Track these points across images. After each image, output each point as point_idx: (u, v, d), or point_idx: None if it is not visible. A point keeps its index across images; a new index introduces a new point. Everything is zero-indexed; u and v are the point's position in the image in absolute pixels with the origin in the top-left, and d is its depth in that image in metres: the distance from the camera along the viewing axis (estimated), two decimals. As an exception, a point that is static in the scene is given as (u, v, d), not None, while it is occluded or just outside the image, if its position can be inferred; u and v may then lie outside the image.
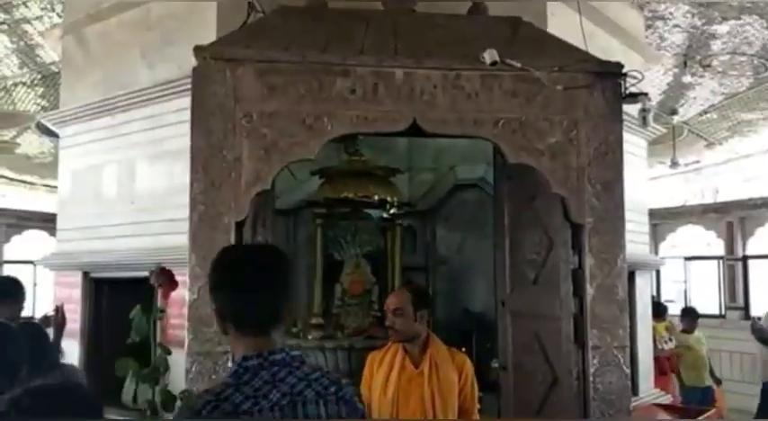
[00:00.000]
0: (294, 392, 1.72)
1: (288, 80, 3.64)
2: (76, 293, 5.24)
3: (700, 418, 5.05)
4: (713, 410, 5.50)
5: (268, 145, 3.61)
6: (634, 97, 3.83)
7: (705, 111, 9.05)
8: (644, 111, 3.86)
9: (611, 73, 3.84)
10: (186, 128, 3.75)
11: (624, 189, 3.86)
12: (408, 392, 3.29)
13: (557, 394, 3.99)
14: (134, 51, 5.01)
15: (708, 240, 10.75)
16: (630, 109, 4.27)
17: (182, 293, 4.47)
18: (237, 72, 3.61)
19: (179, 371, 3.88)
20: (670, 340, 7.66)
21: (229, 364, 3.51)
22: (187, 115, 3.80)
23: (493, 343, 8.18)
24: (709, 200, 11.06)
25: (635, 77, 3.83)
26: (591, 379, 3.73)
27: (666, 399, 5.95)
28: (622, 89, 3.85)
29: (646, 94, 3.83)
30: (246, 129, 3.61)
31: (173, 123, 4.66)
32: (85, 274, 5.23)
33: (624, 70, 3.85)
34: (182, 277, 4.53)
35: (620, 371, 3.75)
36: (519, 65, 3.68)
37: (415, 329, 3.44)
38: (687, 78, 7.82)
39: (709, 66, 7.54)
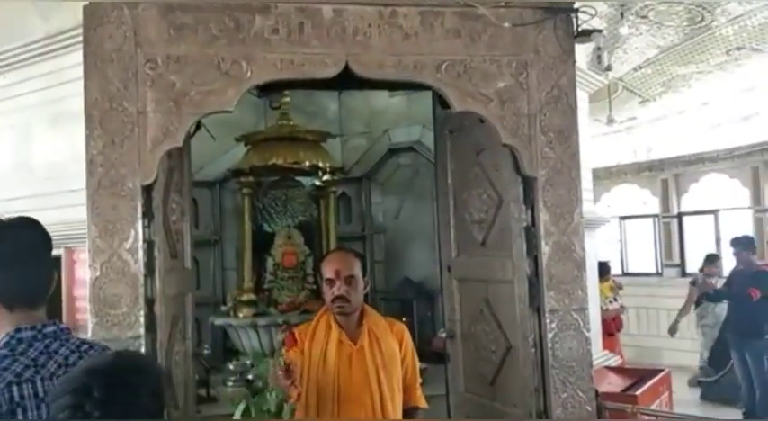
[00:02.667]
0: (69, 363, 1.75)
1: (198, 18, 3.15)
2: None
3: (653, 380, 4.85)
4: (665, 371, 5.32)
5: (177, 95, 3.11)
6: (587, 35, 3.49)
7: (639, 67, 8.86)
8: (599, 49, 3.52)
9: (563, 9, 3.48)
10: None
11: (579, 137, 3.52)
12: (349, 371, 2.84)
13: (511, 363, 3.67)
14: (23, 0, 4.37)
15: (643, 199, 10.68)
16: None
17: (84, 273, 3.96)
18: (138, 10, 3.09)
19: (86, 359, 3.38)
20: (615, 300, 7.51)
21: (142, 350, 3.04)
22: (88, 70, 3.25)
23: (434, 312, 7.95)
24: (642, 158, 10.99)
25: (587, 13, 3.47)
26: (549, 345, 3.42)
27: (616, 361, 5.76)
28: (574, 26, 3.49)
29: (600, 31, 3.49)
30: (151, 77, 3.10)
31: (72, 80, 4.04)
32: (-21, 256, 4.62)
33: (575, 6, 3.49)
34: (86, 254, 4.02)
35: (579, 335, 3.45)
36: None
37: (361, 300, 2.92)
38: (624, 30, 7.57)
39: (645, 17, 7.30)
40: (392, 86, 4.24)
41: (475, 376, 4.01)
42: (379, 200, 8.45)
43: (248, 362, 6.52)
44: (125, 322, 3.00)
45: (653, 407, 4.53)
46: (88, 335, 3.07)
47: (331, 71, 3.28)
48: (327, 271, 2.85)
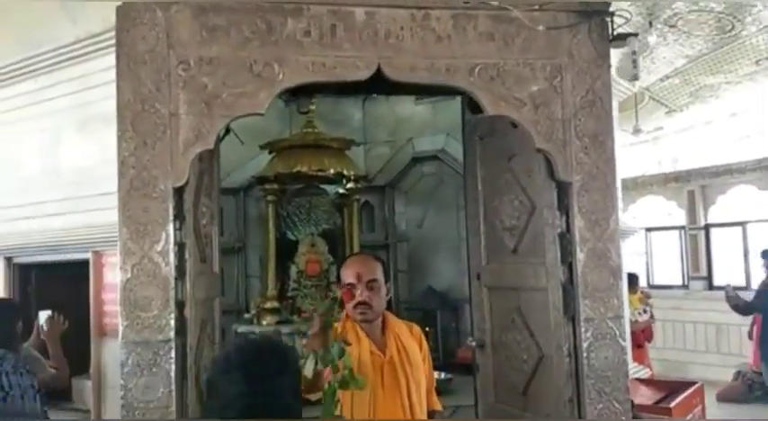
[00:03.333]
0: None
1: (230, 20, 3.13)
2: (-2, 281, 4.64)
3: (687, 392, 4.74)
4: (698, 384, 5.20)
5: (209, 97, 3.09)
6: (623, 39, 3.42)
7: (667, 77, 8.76)
8: (634, 53, 3.46)
9: (598, 12, 3.42)
10: (115, 88, 3.20)
11: (615, 142, 3.46)
12: (381, 383, 2.67)
13: (544, 372, 3.59)
14: (52, 3, 4.38)
15: (669, 210, 10.52)
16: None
17: (117, 277, 3.94)
18: (170, 11, 3.08)
19: (114, 363, 3.35)
20: (645, 311, 7.39)
21: (172, 354, 3.01)
22: (115, 74, 3.25)
23: (458, 322, 7.87)
24: (667, 169, 10.85)
25: (622, 17, 3.42)
26: (584, 354, 3.34)
27: (645, 373, 5.65)
28: (609, 30, 3.43)
29: (636, 35, 3.43)
30: (183, 78, 3.08)
31: (101, 84, 4.06)
32: (8, 260, 4.63)
33: (611, 9, 3.43)
34: (115, 258, 4.00)
35: (615, 344, 3.37)
36: (496, 2, 3.24)
37: (384, 306, 2.73)
38: (652, 39, 7.50)
39: (674, 26, 7.23)
40: (423, 91, 4.20)
41: (505, 386, 3.93)
42: (402, 209, 8.42)
43: (271, 370, 6.48)
44: (155, 325, 2.97)
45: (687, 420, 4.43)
46: (118, 339, 3.06)
47: (363, 74, 3.24)
48: (348, 275, 2.67)
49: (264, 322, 6.96)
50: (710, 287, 9.73)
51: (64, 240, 4.22)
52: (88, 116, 4.22)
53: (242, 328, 6.96)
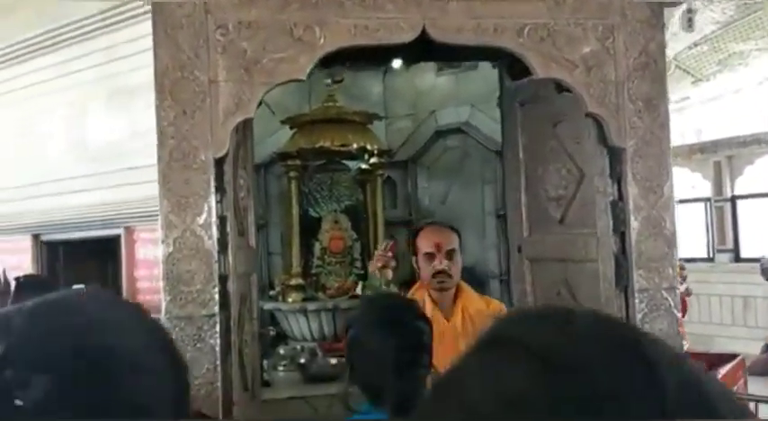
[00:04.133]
0: None
1: (270, -19, 2.99)
2: (26, 259, 4.55)
3: (730, 365, 4.63)
4: (740, 356, 5.09)
5: (248, 63, 2.96)
6: (678, -3, 3.26)
7: (695, 44, 8.54)
8: (689, 12, 3.29)
9: (651, -32, 3.26)
10: (145, 58, 3.08)
11: (669, 105, 3.31)
12: (439, 349, 2.66)
13: (594, 346, 3.48)
14: (76, -29, 4.26)
15: (693, 182, 10.35)
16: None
17: (151, 252, 3.84)
18: (207, -27, 2.94)
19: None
20: (681, 283, 7.26)
21: (217, 329, 2.91)
22: (146, 44, 3.13)
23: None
24: (691, 140, 10.66)
25: (677, -26, 3.26)
26: (638, 326, 3.21)
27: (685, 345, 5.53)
28: (663, -13, 3.28)
29: (692, -8, 3.27)
30: (222, 44, 2.94)
31: (128, 55, 3.96)
32: (35, 237, 4.54)
33: (664, -34, 3.27)
34: (148, 234, 3.91)
35: (670, 315, 3.25)
36: (546, -41, 3.08)
37: (459, 276, 2.80)
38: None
39: (707, -10, 7.01)
40: (465, 55, 4.05)
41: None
42: (425, 184, 8.26)
43: (299, 346, 6.42)
44: (199, 299, 2.87)
45: (732, 393, 4.31)
46: (161, 315, 2.96)
47: (407, 36, 3.10)
48: (426, 245, 2.70)
49: (290, 299, 6.87)
50: (737, 259, 9.59)
51: (93, 216, 4.13)
52: (115, 88, 4.10)
53: (268, 305, 6.88)
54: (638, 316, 3.22)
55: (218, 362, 2.86)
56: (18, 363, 0.55)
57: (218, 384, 2.85)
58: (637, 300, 3.22)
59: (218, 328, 2.87)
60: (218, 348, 2.87)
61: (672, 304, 3.25)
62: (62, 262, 4.62)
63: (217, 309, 2.88)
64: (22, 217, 4.52)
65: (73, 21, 4.25)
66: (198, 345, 2.85)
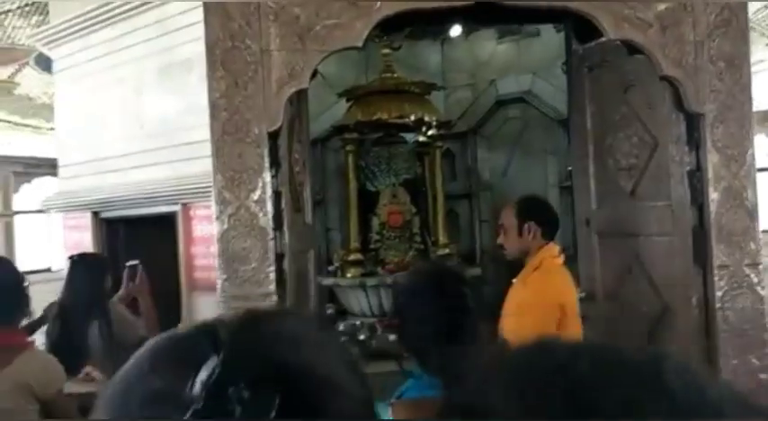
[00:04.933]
0: None
1: (322, -56, 2.84)
2: (87, 237, 4.57)
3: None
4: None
5: (302, 30, 2.83)
6: (763, -53, 2.98)
7: (772, 3, 8.05)
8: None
9: None
10: (198, 31, 2.99)
11: (751, 67, 3.06)
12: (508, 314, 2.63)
13: (669, 326, 3.29)
14: (128, -54, 4.20)
15: (761, 150, 9.84)
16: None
17: (207, 229, 3.79)
18: (258, -63, 2.81)
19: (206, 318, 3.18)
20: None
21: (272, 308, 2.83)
22: (197, 15, 3.04)
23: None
24: (762, 107, 10.12)
25: None
26: (718, 305, 3.00)
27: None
28: (747, -63, 3.01)
29: (779, -59, 2.98)
30: (274, 11, 2.82)
31: (181, 28, 3.88)
32: (95, 214, 4.55)
33: None
34: (204, 210, 3.85)
35: (753, 294, 3.02)
36: None
37: (520, 245, 2.77)
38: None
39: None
40: (529, 18, 3.84)
41: (620, 342, 3.61)
42: (485, 155, 8.06)
43: (358, 322, 6.36)
44: (254, 278, 2.79)
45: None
46: (211, 293, 2.89)
47: (467, -3, 2.92)
48: None
49: (349, 275, 6.81)
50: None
51: (150, 193, 4.10)
52: (168, 62, 4.05)
53: (326, 281, 6.83)
54: (719, 294, 3.01)
55: (276, 343, 2.78)
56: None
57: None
58: (716, 278, 3.01)
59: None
60: (274, 328, 2.79)
61: (755, 281, 3.02)
62: (122, 239, 4.63)
63: (273, 287, 2.80)
64: (82, 194, 4.53)
65: (125, -5, 4.21)
66: (254, 325, 2.77)
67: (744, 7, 3.02)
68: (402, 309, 1.78)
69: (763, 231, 8.68)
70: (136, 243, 4.50)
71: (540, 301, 2.61)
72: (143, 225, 4.40)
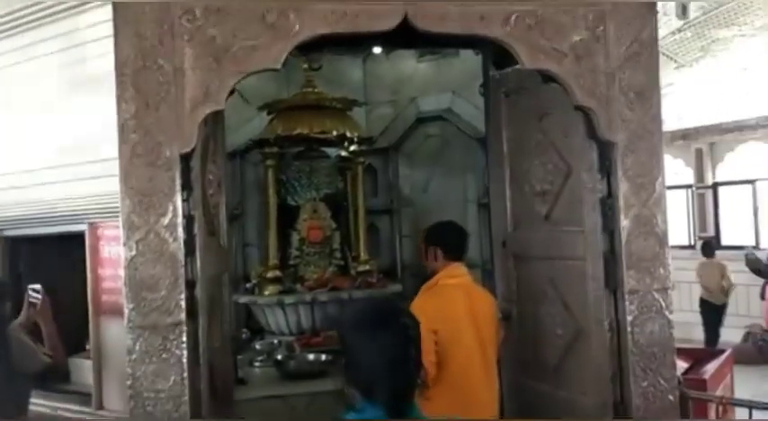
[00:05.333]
0: None
1: (240, -37, 2.78)
2: (-13, 256, 4.31)
3: (719, 361, 4.52)
4: (728, 351, 4.99)
5: (218, 51, 2.76)
6: (671, -17, 3.09)
7: (679, 30, 8.42)
8: (684, -1, 3.13)
9: (644, -47, 3.09)
10: (111, 45, 2.86)
11: (661, 98, 3.16)
12: None
13: (581, 348, 3.35)
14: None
15: (675, 169, 10.27)
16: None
17: (116, 251, 3.63)
18: (172, -46, 2.72)
19: (120, 348, 3.04)
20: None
21: (184, 338, 2.72)
22: (110, 29, 2.91)
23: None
24: (673, 127, 10.58)
25: (671, -41, 3.09)
26: (628, 329, 3.08)
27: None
28: (657, -27, 3.12)
29: (686, -21, 3.10)
30: (188, 30, 2.74)
31: (94, 40, 3.70)
32: (-3, 233, 4.31)
33: (658, -50, 3.10)
34: (113, 231, 3.69)
35: (662, 318, 3.12)
36: (534, -58, 2.90)
37: (429, 266, 3.24)
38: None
39: (693, -25, 6.87)
40: (447, 43, 3.86)
41: (534, 362, 3.69)
42: (406, 172, 8.07)
43: (275, 341, 6.23)
44: (164, 307, 2.68)
45: (718, 391, 4.21)
46: (119, 318, 2.77)
47: (388, 23, 2.91)
48: None
49: (267, 292, 6.67)
50: (718, 247, 9.54)
51: (56, 212, 3.90)
52: (80, 75, 3.85)
53: (243, 299, 6.68)
54: (629, 318, 3.09)
55: (186, 375, 2.68)
56: None
57: (186, 398, 2.67)
58: (627, 302, 3.09)
59: (185, 338, 2.69)
60: (185, 359, 2.69)
61: (663, 306, 3.12)
62: (25, 259, 4.39)
63: (183, 316, 2.70)
64: (-18, 211, 4.27)
65: (35, 2, 4.00)
66: (163, 356, 2.67)
67: (654, 41, 3.12)
68: (344, 345, 1.81)
69: (678, 247, 8.92)
70: (41, 263, 4.28)
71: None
72: (49, 244, 4.19)
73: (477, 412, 2.96)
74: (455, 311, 2.99)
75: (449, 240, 3.18)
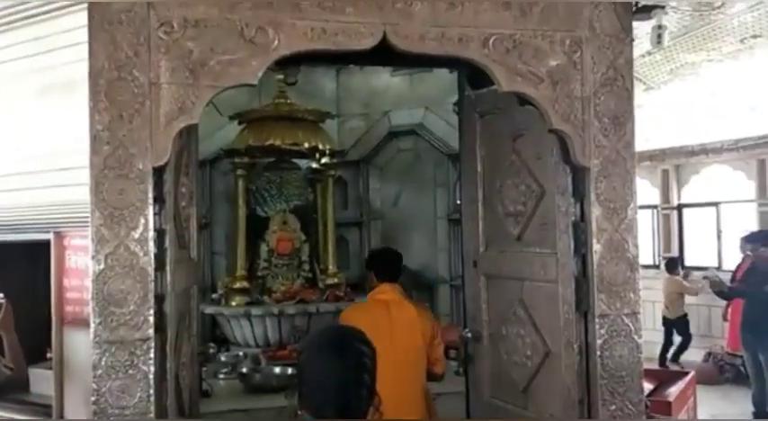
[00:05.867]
0: None
1: (220, -23, 2.75)
2: (-52, 263, 4.19)
3: (682, 383, 4.57)
4: (691, 373, 5.06)
5: (194, 65, 2.72)
6: (647, 12, 3.15)
7: (648, 53, 8.54)
8: (659, 28, 3.19)
9: (621, -19, 3.13)
10: (84, 52, 2.81)
11: (635, 124, 3.21)
12: None
13: (550, 370, 3.36)
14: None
15: (642, 189, 10.41)
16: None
17: (83, 261, 3.56)
18: (151, -36, 2.69)
19: (85, 362, 2.96)
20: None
21: (151, 354, 2.67)
22: (83, 36, 2.86)
23: (433, 301, 7.64)
24: (640, 148, 10.73)
25: (647, -13, 3.15)
26: (597, 353, 3.10)
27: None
28: (633, 1, 3.16)
29: (662, 8, 3.16)
30: (165, 43, 2.70)
31: (66, 46, 3.63)
32: (-43, 240, 4.18)
33: (634, -21, 3.15)
34: (79, 240, 3.62)
35: (631, 342, 3.14)
36: (514, -33, 2.92)
37: (368, 286, 3.70)
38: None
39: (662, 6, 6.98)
40: (423, 61, 3.87)
41: (504, 382, 3.69)
42: (377, 185, 8.12)
43: (241, 353, 6.18)
44: (132, 322, 2.63)
45: (682, 414, 4.26)
46: (88, 333, 2.70)
47: (367, 42, 2.90)
48: None
49: (233, 303, 6.64)
50: (682, 267, 9.68)
51: (21, 219, 3.81)
52: (50, 82, 3.76)
53: (209, 309, 6.62)
54: (599, 341, 3.11)
55: (152, 391, 2.63)
56: None
57: (152, 415, 2.62)
58: (597, 326, 3.11)
59: (152, 354, 2.64)
60: (151, 375, 2.64)
61: (633, 330, 3.14)
62: (-11, 266, 4.28)
63: (151, 331, 2.65)
64: (-56, 216, 4.16)
65: (5, 6, 3.92)
66: (130, 372, 2.61)
67: (629, 67, 3.16)
68: (301, 366, 1.84)
69: (643, 266, 9.06)
70: (5, 270, 4.19)
71: None
72: (13, 253, 4.09)
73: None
74: (374, 322, 3.19)
75: (380, 265, 3.67)
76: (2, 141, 3.95)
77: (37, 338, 3.91)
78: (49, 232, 3.77)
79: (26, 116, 3.89)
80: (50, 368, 3.75)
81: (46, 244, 3.80)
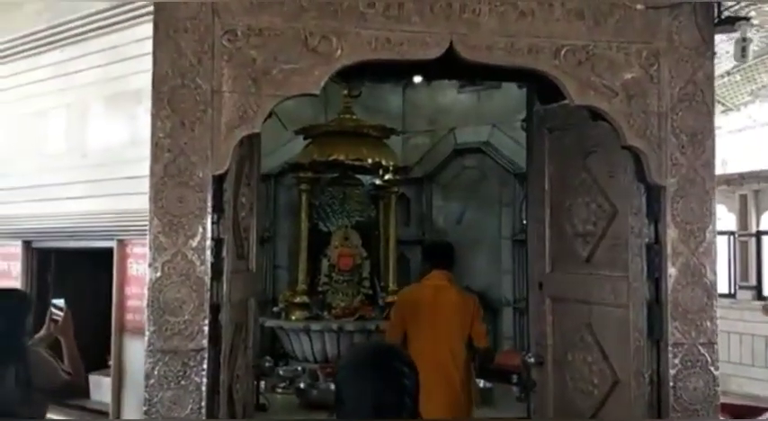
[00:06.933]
0: None
1: (285, -15, 2.72)
2: (16, 267, 4.28)
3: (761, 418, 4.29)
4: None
5: (257, 73, 2.69)
6: (731, 23, 2.97)
7: (728, 73, 8.23)
8: (743, 41, 3.01)
9: (703, -9, 2.97)
10: (149, 62, 2.82)
11: (716, 142, 3.03)
12: None
13: (619, 399, 3.18)
14: (84, -33, 4.01)
15: (718, 215, 9.99)
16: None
17: (144, 269, 3.57)
18: (217, -27, 2.68)
19: (141, 368, 2.93)
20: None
21: (204, 365, 2.63)
22: (149, 46, 2.87)
23: (496, 324, 7.46)
24: (718, 172, 10.31)
25: (731, -1, 2.97)
26: (671, 383, 2.91)
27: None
28: (715, 13, 2.99)
29: (747, 20, 2.98)
30: (228, 51, 2.68)
31: (134, 56, 3.67)
32: (27, 244, 4.27)
33: (717, -11, 2.98)
34: (141, 249, 3.63)
35: (707, 374, 2.95)
36: (588, -25, 2.80)
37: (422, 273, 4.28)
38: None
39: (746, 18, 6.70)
40: (491, 75, 3.77)
41: (568, 411, 3.52)
42: (440, 203, 7.99)
43: (299, 368, 6.13)
44: (186, 332, 2.59)
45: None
46: (141, 337, 2.68)
47: (432, 52, 2.82)
48: None
49: (293, 317, 6.60)
50: (759, 297, 9.21)
51: (86, 226, 3.86)
52: (118, 91, 3.82)
53: (269, 323, 6.60)
54: (672, 372, 2.92)
55: (204, 403, 2.58)
56: None
57: (203, 428, 2.57)
58: (671, 355, 2.92)
59: (205, 365, 2.60)
60: (204, 387, 2.59)
61: (710, 361, 2.95)
62: (53, 271, 4.35)
63: (206, 342, 2.61)
64: (14, 221, 4.25)
65: (78, 17, 4.00)
66: (182, 383, 2.57)
67: (710, 83, 2.99)
68: (339, 385, 1.78)
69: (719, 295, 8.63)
70: (68, 276, 4.26)
71: None
72: (77, 258, 4.15)
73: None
74: (420, 299, 4.00)
75: (432, 255, 4.34)
76: (70, 149, 4.02)
77: (99, 345, 3.94)
78: (112, 240, 3.80)
79: (94, 125, 3.96)
80: (110, 375, 3.78)
81: (109, 251, 3.84)
